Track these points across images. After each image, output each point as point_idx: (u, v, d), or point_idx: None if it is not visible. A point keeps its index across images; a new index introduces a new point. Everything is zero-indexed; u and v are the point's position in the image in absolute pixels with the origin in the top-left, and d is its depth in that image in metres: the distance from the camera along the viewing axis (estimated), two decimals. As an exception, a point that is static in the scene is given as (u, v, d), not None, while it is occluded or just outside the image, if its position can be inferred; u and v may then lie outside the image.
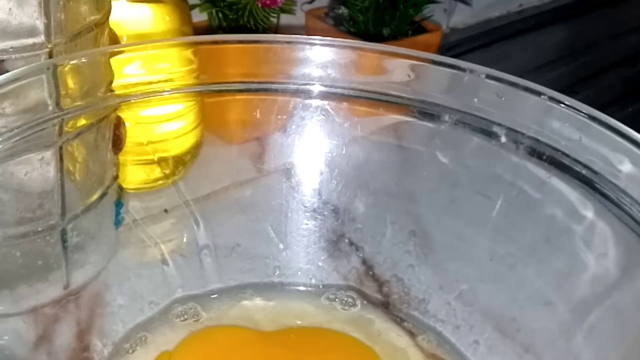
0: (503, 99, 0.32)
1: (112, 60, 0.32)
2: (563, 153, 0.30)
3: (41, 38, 0.30)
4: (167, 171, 0.38)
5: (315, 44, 0.34)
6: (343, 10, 0.63)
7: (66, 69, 0.30)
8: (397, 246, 0.38)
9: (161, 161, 0.38)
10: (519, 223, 0.34)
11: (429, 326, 0.36)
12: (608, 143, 0.29)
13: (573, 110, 0.30)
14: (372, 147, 0.38)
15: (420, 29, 0.63)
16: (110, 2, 0.34)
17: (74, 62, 0.30)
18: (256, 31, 0.54)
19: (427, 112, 0.34)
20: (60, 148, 0.31)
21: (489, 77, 0.32)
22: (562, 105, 0.30)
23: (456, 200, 0.36)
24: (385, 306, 0.38)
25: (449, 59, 0.33)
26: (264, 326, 0.36)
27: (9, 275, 0.31)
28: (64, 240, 0.33)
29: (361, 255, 0.39)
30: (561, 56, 0.84)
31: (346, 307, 0.38)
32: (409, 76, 0.34)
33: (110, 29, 0.35)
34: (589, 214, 0.30)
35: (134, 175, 0.38)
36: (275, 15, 0.57)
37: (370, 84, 0.34)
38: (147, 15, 0.43)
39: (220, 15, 0.55)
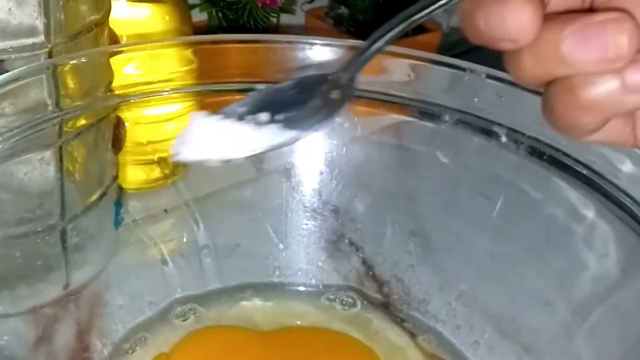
0: (503, 98, 0.32)
1: (112, 60, 0.32)
2: (563, 153, 0.30)
3: (41, 38, 0.30)
4: (167, 171, 0.38)
5: (315, 44, 0.34)
6: (343, 10, 0.63)
7: (66, 69, 0.30)
8: (397, 246, 0.38)
9: (161, 161, 0.38)
10: (519, 223, 0.34)
11: (429, 326, 0.36)
12: (608, 143, 0.29)
13: (573, 110, 0.30)
14: (372, 147, 0.38)
15: (420, 29, 0.63)
16: (110, 2, 0.34)
17: (74, 62, 0.30)
18: (256, 31, 0.54)
19: (428, 112, 0.34)
20: (60, 148, 0.31)
21: (489, 77, 0.32)
22: (563, 105, 0.30)
23: (456, 200, 0.36)
24: (386, 306, 0.38)
25: (449, 59, 0.33)
26: (263, 326, 0.36)
27: (9, 275, 0.31)
28: (64, 240, 0.33)
29: (361, 255, 0.39)
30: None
31: (346, 307, 0.38)
32: (409, 76, 0.34)
33: (110, 29, 0.35)
34: (590, 213, 0.30)
35: (134, 175, 0.38)
36: (275, 15, 0.57)
37: (370, 84, 0.34)
38: (147, 15, 0.43)
39: (220, 15, 0.55)
